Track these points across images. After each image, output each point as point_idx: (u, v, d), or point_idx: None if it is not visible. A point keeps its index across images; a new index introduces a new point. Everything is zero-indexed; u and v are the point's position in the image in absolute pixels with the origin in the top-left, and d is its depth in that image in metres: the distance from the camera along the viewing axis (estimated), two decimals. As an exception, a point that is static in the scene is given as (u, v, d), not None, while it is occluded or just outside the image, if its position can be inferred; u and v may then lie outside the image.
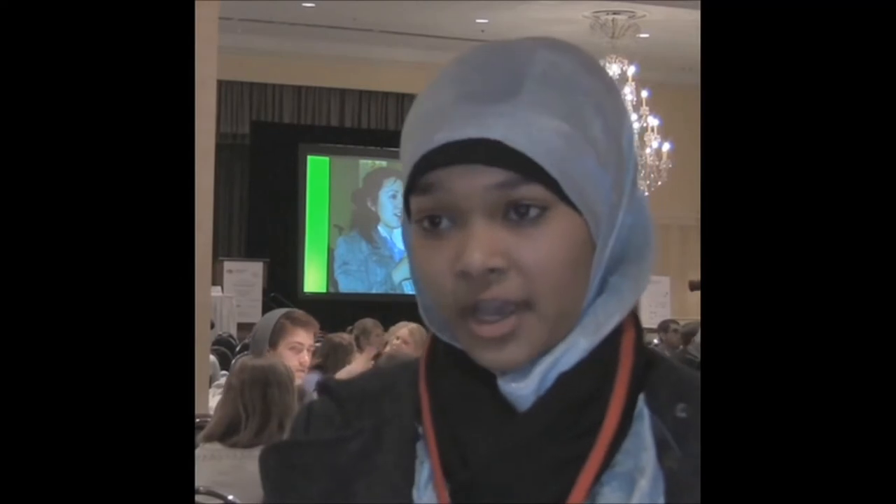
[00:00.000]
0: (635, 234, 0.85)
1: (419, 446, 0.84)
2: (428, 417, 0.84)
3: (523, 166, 0.78)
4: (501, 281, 0.79)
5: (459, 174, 0.79)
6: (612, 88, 0.84)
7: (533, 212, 0.79)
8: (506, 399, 0.81)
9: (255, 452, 2.94)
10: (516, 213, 0.79)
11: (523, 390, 0.81)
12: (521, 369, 0.81)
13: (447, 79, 0.82)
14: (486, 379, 0.82)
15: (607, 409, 0.81)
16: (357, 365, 4.76)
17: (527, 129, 0.78)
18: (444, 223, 0.80)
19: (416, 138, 0.81)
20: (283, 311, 3.99)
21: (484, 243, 0.78)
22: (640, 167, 0.89)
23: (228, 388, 3.13)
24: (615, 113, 0.83)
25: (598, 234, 0.82)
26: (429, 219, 0.81)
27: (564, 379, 0.81)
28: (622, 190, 0.83)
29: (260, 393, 3.03)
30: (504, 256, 0.79)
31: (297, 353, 3.78)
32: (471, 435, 0.81)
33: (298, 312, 4.01)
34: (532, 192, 0.79)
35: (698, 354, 7.13)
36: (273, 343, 3.78)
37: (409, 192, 0.82)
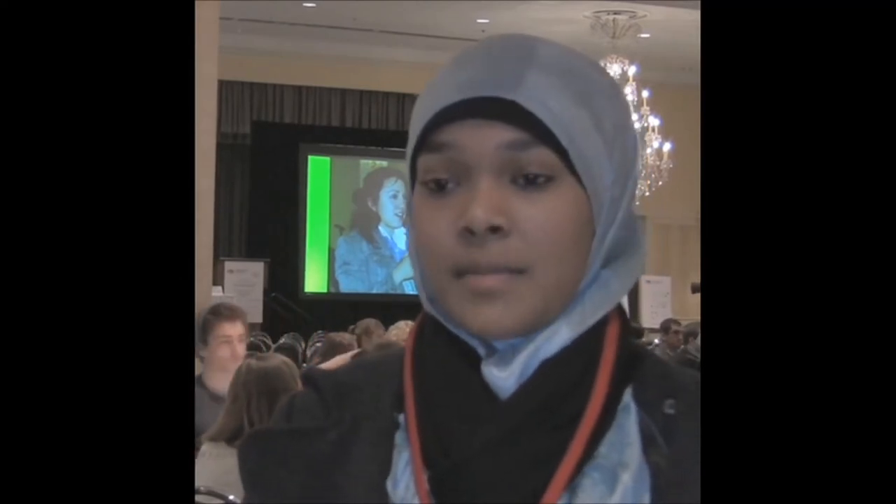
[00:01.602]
0: (628, 244, 0.86)
1: (398, 435, 0.85)
2: (410, 404, 0.84)
3: (535, 128, 0.80)
4: (502, 242, 0.80)
5: (472, 131, 0.80)
6: (617, 90, 0.86)
7: (540, 179, 0.80)
8: (488, 386, 0.81)
9: None
10: (524, 179, 0.80)
11: (506, 380, 0.81)
12: (504, 355, 0.81)
13: (461, 59, 0.84)
14: (471, 365, 0.82)
15: (589, 399, 0.81)
16: (338, 360, 4.76)
17: (541, 97, 0.80)
18: (451, 185, 0.81)
19: (430, 102, 0.83)
20: (209, 307, 4.01)
21: (489, 201, 0.79)
22: (640, 167, 0.90)
23: (234, 398, 3.04)
24: (622, 112, 0.85)
25: (598, 219, 0.83)
26: (435, 181, 0.82)
27: (547, 367, 0.81)
28: (623, 189, 0.84)
29: (267, 404, 2.97)
30: (507, 217, 0.80)
31: (228, 344, 3.81)
32: (452, 422, 0.81)
33: (222, 305, 4.03)
34: (541, 156, 0.80)
35: (698, 355, 7.14)
36: (204, 340, 3.83)
37: (417, 151, 0.83)
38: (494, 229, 0.79)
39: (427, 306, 0.86)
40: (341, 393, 0.88)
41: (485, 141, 0.80)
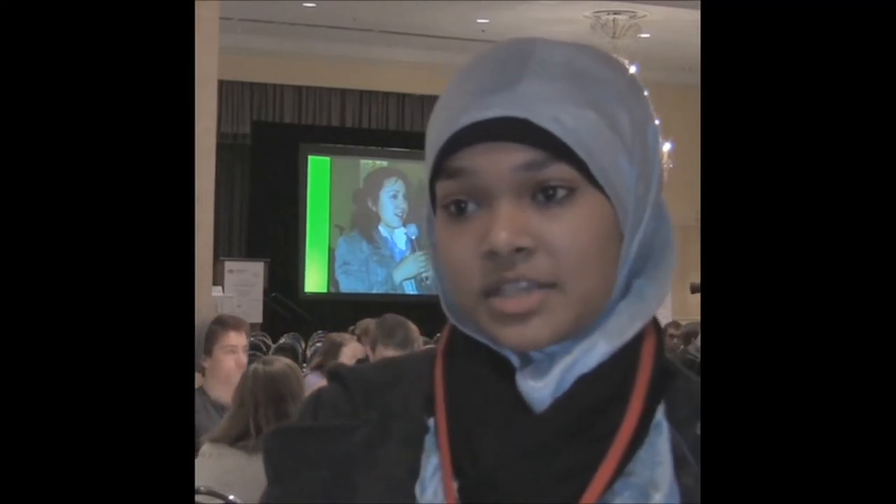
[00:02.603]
0: (657, 237, 0.85)
1: (427, 439, 0.84)
2: (441, 410, 0.83)
3: (550, 145, 0.78)
4: (528, 261, 0.78)
5: (486, 155, 0.79)
6: (634, 85, 0.84)
7: (560, 193, 0.79)
8: (523, 398, 0.80)
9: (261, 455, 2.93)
10: (544, 195, 0.79)
11: (542, 390, 0.80)
12: (541, 366, 0.80)
13: (466, 74, 0.83)
14: (505, 375, 0.81)
15: (624, 416, 0.80)
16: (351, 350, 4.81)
17: (552, 110, 0.79)
18: (471, 207, 0.80)
19: (441, 125, 0.81)
20: (213, 318, 4.10)
21: (511, 223, 0.78)
22: (661, 151, 0.88)
23: (241, 404, 3.05)
24: (640, 108, 0.83)
25: (625, 224, 0.81)
26: (455, 203, 0.81)
27: (583, 382, 0.80)
28: (649, 184, 0.83)
29: (274, 411, 2.98)
30: (531, 236, 0.78)
31: (233, 354, 3.87)
32: (484, 432, 0.80)
33: (227, 316, 4.12)
34: (559, 172, 0.79)
35: (698, 355, 7.13)
36: (208, 350, 3.89)
37: (434, 177, 0.82)
38: (519, 249, 0.78)
39: (455, 321, 0.85)
40: (369, 391, 0.87)
41: (500, 163, 0.79)
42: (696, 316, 9.92)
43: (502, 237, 0.78)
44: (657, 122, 0.86)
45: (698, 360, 6.90)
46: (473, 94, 0.80)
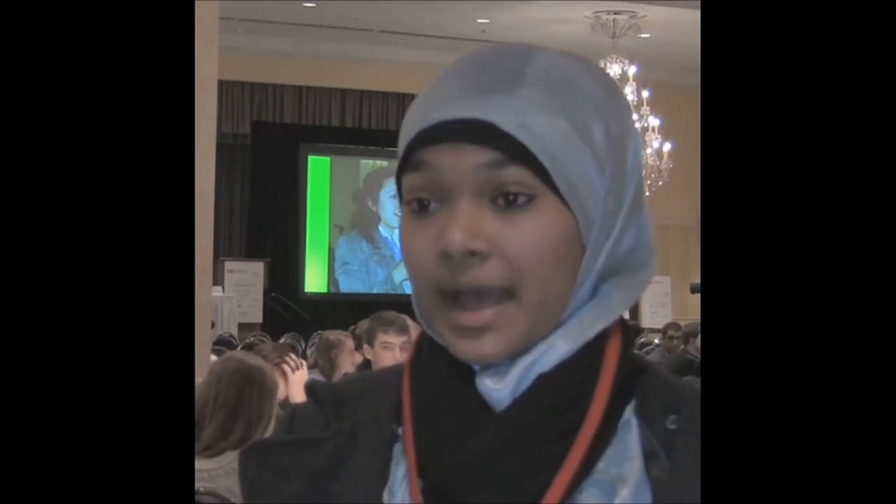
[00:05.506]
0: (636, 253, 0.85)
1: (396, 447, 0.85)
2: (408, 416, 0.84)
3: (513, 149, 0.79)
4: (482, 266, 0.79)
5: (450, 153, 0.80)
6: (617, 97, 0.85)
7: (521, 199, 0.79)
8: (483, 399, 0.81)
9: (216, 468, 2.87)
10: (504, 199, 0.79)
11: (501, 391, 0.81)
12: (500, 368, 0.81)
13: (449, 73, 0.83)
14: (465, 377, 0.82)
15: (587, 414, 0.80)
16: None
17: (522, 117, 0.79)
18: (433, 205, 0.81)
19: (414, 120, 0.82)
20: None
21: (467, 224, 0.79)
22: (640, 168, 0.89)
23: (209, 372, 3.04)
24: (619, 121, 0.83)
25: (588, 237, 0.82)
26: (417, 200, 0.81)
27: (543, 380, 0.81)
28: (621, 199, 0.83)
29: (237, 387, 2.95)
30: (487, 240, 0.79)
31: (390, 351, 4.16)
32: (446, 434, 0.81)
33: (391, 316, 4.37)
34: (519, 175, 0.79)
35: (698, 355, 7.14)
36: (370, 342, 4.24)
37: (401, 171, 0.83)
38: (473, 253, 0.79)
39: (422, 324, 0.86)
40: (339, 404, 0.88)
41: (462, 161, 0.79)
42: (696, 316, 9.93)
43: (457, 238, 0.78)
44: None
45: (698, 360, 6.91)
46: (450, 94, 0.81)
